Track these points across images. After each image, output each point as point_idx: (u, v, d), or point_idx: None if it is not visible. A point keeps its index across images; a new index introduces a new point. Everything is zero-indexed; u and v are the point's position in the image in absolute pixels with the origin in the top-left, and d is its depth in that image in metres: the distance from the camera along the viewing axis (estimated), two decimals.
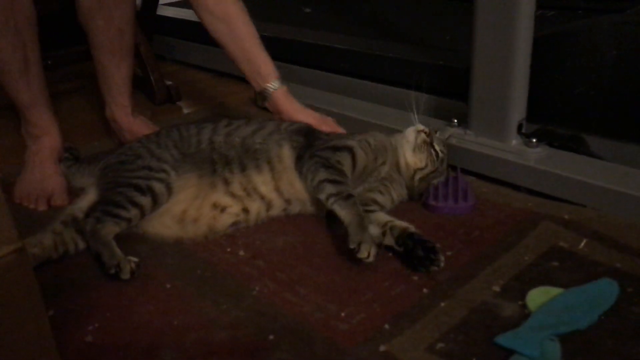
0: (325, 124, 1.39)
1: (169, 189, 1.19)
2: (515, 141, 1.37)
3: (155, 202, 1.16)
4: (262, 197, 1.23)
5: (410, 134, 1.30)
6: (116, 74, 1.55)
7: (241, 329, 0.94)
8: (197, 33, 2.39)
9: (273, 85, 1.43)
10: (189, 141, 1.28)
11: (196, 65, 2.48)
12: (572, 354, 0.85)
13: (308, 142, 1.26)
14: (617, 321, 0.91)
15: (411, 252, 1.06)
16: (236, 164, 1.23)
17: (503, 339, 0.88)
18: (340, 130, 1.40)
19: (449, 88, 1.60)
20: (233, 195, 1.22)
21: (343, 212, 1.09)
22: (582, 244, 1.10)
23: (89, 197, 1.23)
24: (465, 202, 1.26)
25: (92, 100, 2.00)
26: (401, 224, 1.12)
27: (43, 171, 1.40)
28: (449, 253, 1.10)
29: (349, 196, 1.11)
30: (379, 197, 1.24)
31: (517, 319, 0.93)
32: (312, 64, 1.99)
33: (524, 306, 0.96)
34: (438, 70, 1.65)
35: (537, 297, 0.97)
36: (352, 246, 1.03)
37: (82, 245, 1.15)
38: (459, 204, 1.25)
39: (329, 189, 1.13)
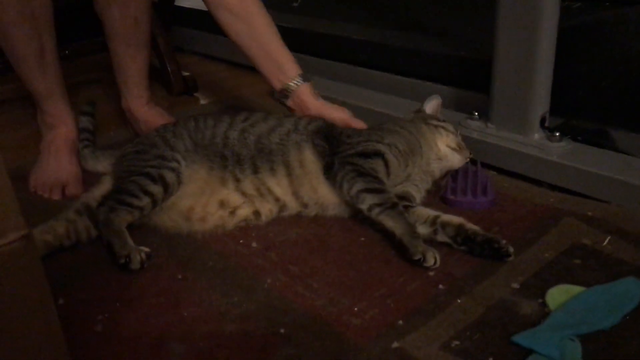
0: (355, 121, 1.32)
1: (180, 179, 1.17)
2: (537, 135, 1.34)
3: (166, 191, 1.15)
4: (277, 200, 1.20)
5: (458, 161, 1.26)
6: (132, 64, 1.54)
7: (252, 322, 0.92)
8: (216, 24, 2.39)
9: (297, 81, 1.36)
10: (204, 133, 1.26)
11: (215, 56, 2.46)
12: (594, 354, 0.82)
13: (331, 147, 1.21)
14: None
15: (479, 253, 1.05)
16: (248, 165, 1.20)
17: (521, 338, 0.85)
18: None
19: (470, 80, 1.56)
20: (244, 194, 1.19)
21: (391, 223, 1.07)
22: (606, 241, 1.06)
23: (104, 186, 1.23)
24: (485, 197, 1.22)
25: (109, 92, 2.00)
26: (452, 219, 1.10)
27: (58, 161, 1.40)
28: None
29: (394, 205, 1.09)
30: (412, 190, 1.21)
31: (536, 318, 0.90)
32: (328, 55, 1.97)
33: (544, 304, 0.92)
34: (459, 62, 1.61)
35: (557, 295, 0.94)
36: (417, 257, 1.02)
37: (94, 234, 1.14)
38: (478, 199, 1.22)
39: (371, 199, 1.10)
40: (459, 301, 0.94)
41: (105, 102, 1.95)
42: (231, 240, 1.14)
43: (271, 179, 1.19)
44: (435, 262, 1.02)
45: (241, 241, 1.14)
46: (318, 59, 1.98)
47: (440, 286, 0.98)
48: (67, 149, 1.43)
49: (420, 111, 1.36)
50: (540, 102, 1.32)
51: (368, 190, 1.11)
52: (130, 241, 1.09)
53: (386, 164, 1.18)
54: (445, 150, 1.26)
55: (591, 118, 1.37)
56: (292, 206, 1.21)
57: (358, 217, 1.18)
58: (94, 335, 0.91)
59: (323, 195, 1.20)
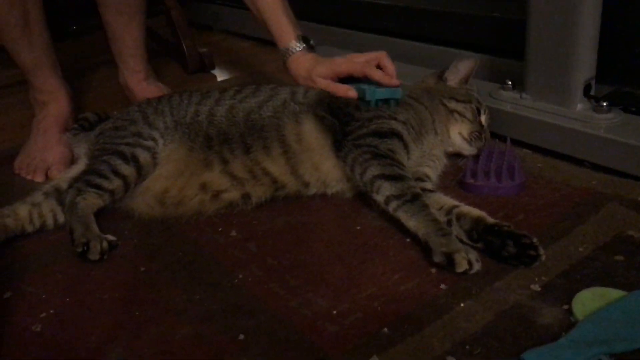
0: (370, 68, 1.12)
1: (155, 159, 1.05)
2: (581, 106, 1.13)
3: (139, 173, 1.02)
4: (274, 181, 1.04)
5: (467, 152, 1.12)
6: (126, 35, 1.42)
7: (209, 325, 0.78)
8: None
9: (292, 45, 1.20)
10: (186, 110, 1.12)
11: (241, 33, 2.33)
12: None
13: (340, 122, 1.05)
14: None
15: (498, 250, 0.84)
16: (237, 144, 1.05)
17: (533, 356, 0.66)
18: (391, 69, 1.14)
19: (501, 44, 1.35)
20: (233, 176, 1.04)
21: (413, 222, 0.88)
22: None
23: (79, 167, 1.12)
24: (512, 180, 1.03)
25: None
26: (472, 211, 0.91)
27: (45, 140, 1.30)
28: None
29: (415, 197, 0.90)
30: (427, 170, 1.05)
31: (557, 329, 0.71)
32: (345, 22, 1.79)
33: (569, 312, 0.74)
34: (489, 24, 1.40)
35: (588, 300, 0.75)
36: (437, 259, 0.83)
37: (62, 219, 1.04)
38: (503, 183, 1.02)
39: (387, 188, 0.92)
40: (462, 305, 0.77)
41: (111, 80, 1.84)
42: (209, 228, 1.00)
43: (266, 159, 1.04)
44: (471, 267, 0.81)
45: (220, 229, 1.00)
46: (333, 27, 1.81)
47: (442, 286, 0.81)
48: (57, 127, 1.33)
49: (442, 78, 1.17)
50: (584, 66, 1.11)
51: (385, 177, 0.93)
52: (94, 228, 0.97)
53: (405, 145, 1.01)
54: (455, 138, 1.12)
55: None
56: (292, 186, 1.06)
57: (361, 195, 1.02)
58: (30, 336, 0.79)
59: (327, 172, 1.04)
